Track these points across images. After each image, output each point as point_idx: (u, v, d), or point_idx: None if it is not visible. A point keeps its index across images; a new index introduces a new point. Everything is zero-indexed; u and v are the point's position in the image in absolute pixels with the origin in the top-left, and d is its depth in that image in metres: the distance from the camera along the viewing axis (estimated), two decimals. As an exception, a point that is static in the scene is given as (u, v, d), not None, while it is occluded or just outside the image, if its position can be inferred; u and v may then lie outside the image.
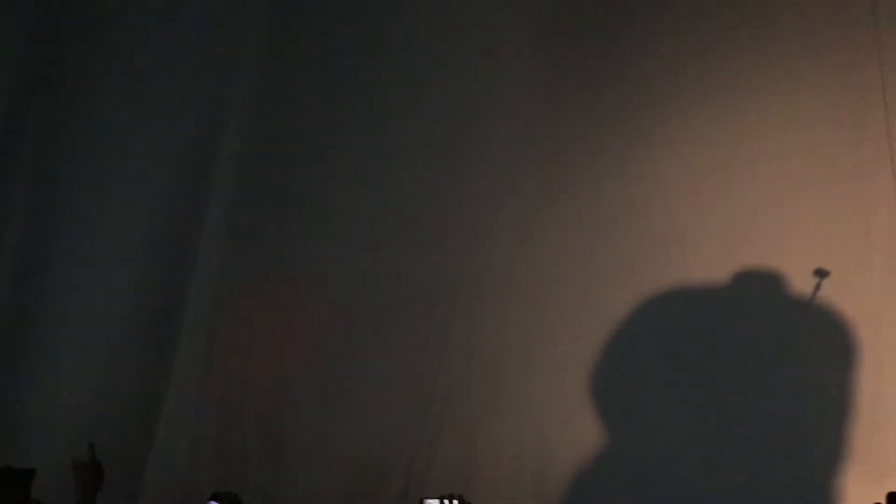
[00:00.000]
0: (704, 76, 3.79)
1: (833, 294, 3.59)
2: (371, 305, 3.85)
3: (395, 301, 3.84)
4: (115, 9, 4.06)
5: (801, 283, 3.63)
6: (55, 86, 4.06)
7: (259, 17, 3.98)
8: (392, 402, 3.79)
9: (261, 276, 3.93)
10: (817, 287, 3.60)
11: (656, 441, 3.64)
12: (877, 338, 3.57)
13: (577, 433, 3.67)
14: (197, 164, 3.96)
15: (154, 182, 3.96)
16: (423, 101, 3.93)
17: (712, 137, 3.77)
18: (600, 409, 3.69)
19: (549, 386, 3.73)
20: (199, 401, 3.82)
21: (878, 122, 3.66)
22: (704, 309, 3.72)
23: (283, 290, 3.94)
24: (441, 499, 2.57)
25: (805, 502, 3.49)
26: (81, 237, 4.00)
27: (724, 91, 3.77)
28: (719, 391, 3.62)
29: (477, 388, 3.77)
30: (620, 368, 3.72)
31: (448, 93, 3.92)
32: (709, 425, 3.61)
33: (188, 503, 3.62)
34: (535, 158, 3.86)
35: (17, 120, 4.06)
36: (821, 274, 3.59)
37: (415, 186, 3.90)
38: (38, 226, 4.03)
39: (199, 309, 3.85)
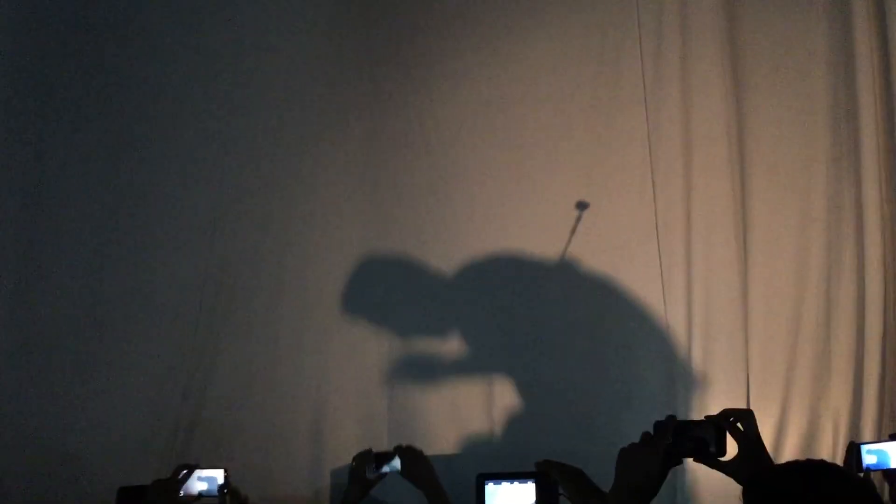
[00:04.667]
0: (481, 22, 3.95)
1: (591, 224, 3.88)
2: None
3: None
4: None
5: (565, 214, 3.87)
6: None
7: None
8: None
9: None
10: (578, 219, 3.87)
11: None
12: (629, 265, 3.87)
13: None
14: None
15: None
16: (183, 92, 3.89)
17: (489, 79, 3.93)
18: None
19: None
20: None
21: (635, 62, 3.90)
22: (480, 240, 3.91)
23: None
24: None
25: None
26: None
27: (498, 36, 3.93)
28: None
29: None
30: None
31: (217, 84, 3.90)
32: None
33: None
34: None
35: None
36: (581, 206, 3.86)
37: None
38: None
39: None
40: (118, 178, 3.91)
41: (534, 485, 1.49)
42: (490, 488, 1.44)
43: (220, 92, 3.92)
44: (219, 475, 2.95)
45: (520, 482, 1.48)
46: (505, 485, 1.47)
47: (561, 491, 1.56)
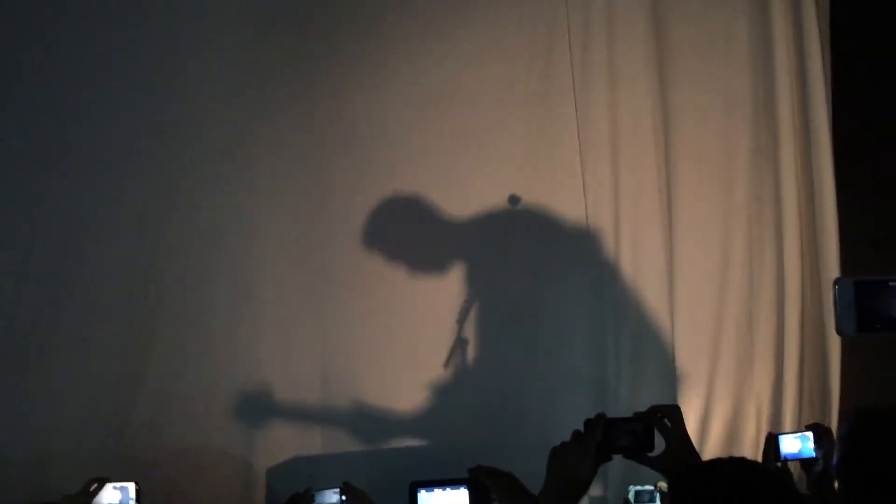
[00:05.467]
0: (412, 16, 3.94)
1: (523, 217, 3.92)
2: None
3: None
4: None
5: (498, 208, 3.92)
6: None
7: None
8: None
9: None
10: (511, 212, 3.91)
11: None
12: (561, 258, 3.95)
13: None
14: None
15: None
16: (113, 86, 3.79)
17: (419, 74, 3.93)
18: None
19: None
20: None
21: (564, 56, 3.96)
22: (412, 234, 3.93)
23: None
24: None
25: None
26: None
27: (428, 30, 3.94)
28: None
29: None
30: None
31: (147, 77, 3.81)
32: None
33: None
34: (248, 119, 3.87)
35: None
36: (513, 200, 3.92)
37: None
38: None
39: None
40: (46, 171, 3.76)
41: (466, 491, 1.50)
42: (423, 496, 1.45)
43: (151, 84, 3.81)
44: (130, 488, 2.90)
45: (452, 488, 1.49)
46: (437, 492, 1.48)
47: (493, 496, 1.59)
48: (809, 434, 2.60)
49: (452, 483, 1.51)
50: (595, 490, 3.54)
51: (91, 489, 2.80)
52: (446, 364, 3.88)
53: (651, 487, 3.38)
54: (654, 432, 1.94)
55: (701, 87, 4.03)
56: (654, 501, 3.32)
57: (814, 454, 2.54)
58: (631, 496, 3.42)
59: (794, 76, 3.96)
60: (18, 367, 3.68)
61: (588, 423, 1.90)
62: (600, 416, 1.91)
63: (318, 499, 2.86)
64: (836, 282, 1.86)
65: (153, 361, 3.77)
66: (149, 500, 3.15)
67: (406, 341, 3.88)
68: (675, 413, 1.95)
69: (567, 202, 3.96)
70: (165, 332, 3.80)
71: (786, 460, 2.67)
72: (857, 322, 1.83)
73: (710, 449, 3.78)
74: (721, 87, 4.03)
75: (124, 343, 3.75)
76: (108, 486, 2.84)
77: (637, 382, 3.89)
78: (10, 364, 3.67)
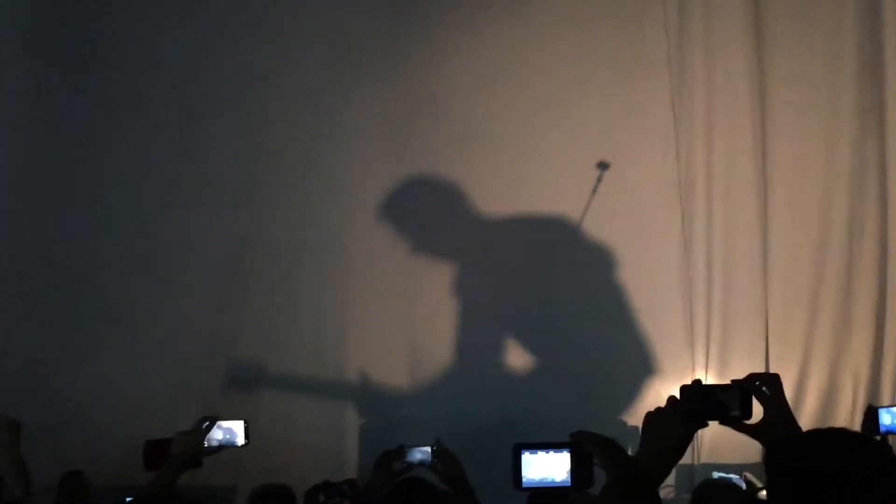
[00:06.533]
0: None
1: (612, 184, 3.83)
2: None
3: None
4: None
5: (585, 174, 3.84)
6: None
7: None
8: None
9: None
10: (600, 178, 3.83)
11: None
12: (650, 225, 3.87)
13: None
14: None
15: None
16: (202, 59, 3.87)
17: (503, 40, 3.88)
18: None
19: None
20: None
21: (657, 18, 3.84)
22: (501, 200, 3.90)
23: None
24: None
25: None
26: None
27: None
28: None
29: None
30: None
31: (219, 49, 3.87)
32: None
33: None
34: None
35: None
36: (602, 166, 3.83)
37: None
38: None
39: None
40: (145, 145, 3.89)
41: (568, 454, 1.52)
42: (526, 457, 1.48)
43: (238, 59, 3.89)
44: (239, 427, 2.98)
45: (555, 452, 1.52)
46: (541, 454, 1.51)
47: (595, 461, 1.60)
48: None
49: (555, 446, 1.54)
50: (686, 459, 3.52)
51: (203, 427, 2.90)
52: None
53: (736, 476, 3.29)
54: (751, 400, 1.90)
55: (802, 48, 3.88)
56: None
57: (915, 428, 2.46)
58: None
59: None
60: (127, 333, 3.83)
61: (683, 388, 1.88)
62: (696, 382, 1.89)
63: (408, 456, 2.92)
64: None
65: (246, 326, 3.90)
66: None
67: (499, 310, 3.89)
68: (774, 381, 1.91)
69: (658, 168, 3.88)
70: (257, 298, 3.91)
71: (885, 433, 2.60)
72: None
73: (803, 421, 3.69)
74: (824, 48, 3.86)
75: (220, 309, 3.89)
76: (220, 424, 2.93)
77: (728, 353, 3.82)
78: (119, 329, 3.83)
